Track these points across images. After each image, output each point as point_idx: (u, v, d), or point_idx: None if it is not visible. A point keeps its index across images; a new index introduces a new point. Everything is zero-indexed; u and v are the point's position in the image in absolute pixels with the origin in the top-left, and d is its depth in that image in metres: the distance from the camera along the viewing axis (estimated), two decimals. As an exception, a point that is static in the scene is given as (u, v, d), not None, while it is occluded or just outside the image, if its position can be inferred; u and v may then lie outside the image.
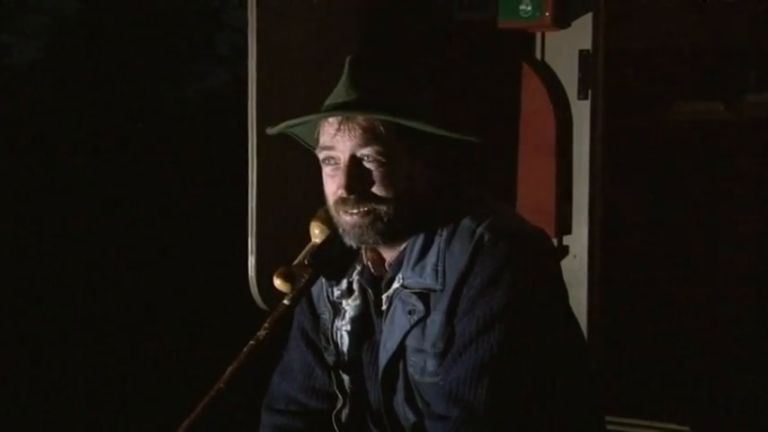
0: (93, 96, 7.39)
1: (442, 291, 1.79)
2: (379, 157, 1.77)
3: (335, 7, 3.10)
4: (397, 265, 1.85)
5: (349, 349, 1.94)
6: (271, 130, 1.90)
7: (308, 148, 1.91)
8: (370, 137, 1.76)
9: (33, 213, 6.37)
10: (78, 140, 7.13)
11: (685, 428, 3.11)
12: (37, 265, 5.90)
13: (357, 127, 1.76)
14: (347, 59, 1.81)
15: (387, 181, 1.78)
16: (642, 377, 3.42)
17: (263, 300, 2.80)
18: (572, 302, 1.96)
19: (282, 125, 1.87)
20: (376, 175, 1.78)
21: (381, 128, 1.76)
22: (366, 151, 1.77)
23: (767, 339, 3.43)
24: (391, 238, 1.84)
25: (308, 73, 2.90)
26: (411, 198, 1.81)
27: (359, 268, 1.92)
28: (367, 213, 1.79)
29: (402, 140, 1.78)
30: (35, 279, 5.75)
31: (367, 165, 1.78)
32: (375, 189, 1.78)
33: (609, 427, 2.09)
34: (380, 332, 1.88)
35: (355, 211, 1.79)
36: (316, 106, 1.85)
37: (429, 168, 1.84)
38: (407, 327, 1.82)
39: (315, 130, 1.84)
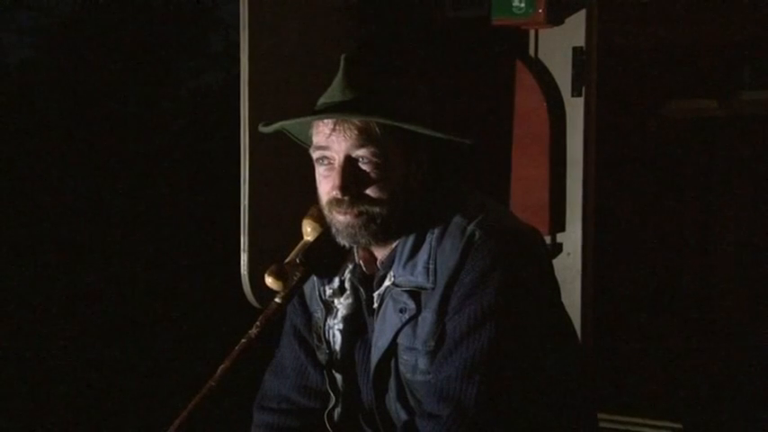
0: (86, 94, 7.38)
1: (433, 289, 1.78)
2: (375, 159, 1.76)
3: (328, 4, 3.09)
4: (389, 263, 1.85)
5: (341, 348, 1.93)
6: (265, 129, 1.89)
7: (300, 146, 1.91)
8: (365, 138, 1.75)
9: (27, 211, 6.37)
10: (71, 138, 7.12)
11: (678, 426, 3.12)
12: (30, 264, 5.89)
13: (353, 128, 1.75)
14: (342, 57, 1.80)
15: (381, 182, 1.77)
16: (635, 374, 3.42)
17: (256, 298, 2.80)
18: (565, 300, 1.96)
19: (277, 125, 1.86)
20: (371, 176, 1.77)
21: (377, 129, 1.75)
22: (361, 152, 1.76)
23: (762, 336, 3.43)
24: (384, 238, 1.83)
25: (300, 71, 2.90)
26: (405, 199, 1.80)
27: (351, 266, 1.92)
28: (360, 214, 1.78)
29: (397, 141, 1.77)
30: (29, 278, 5.74)
31: (362, 166, 1.77)
32: (369, 191, 1.78)
33: (602, 424, 2.10)
34: (372, 331, 1.88)
35: (349, 211, 1.78)
36: (309, 104, 1.84)
37: (423, 168, 1.83)
38: (399, 325, 1.81)
39: (308, 128, 1.83)
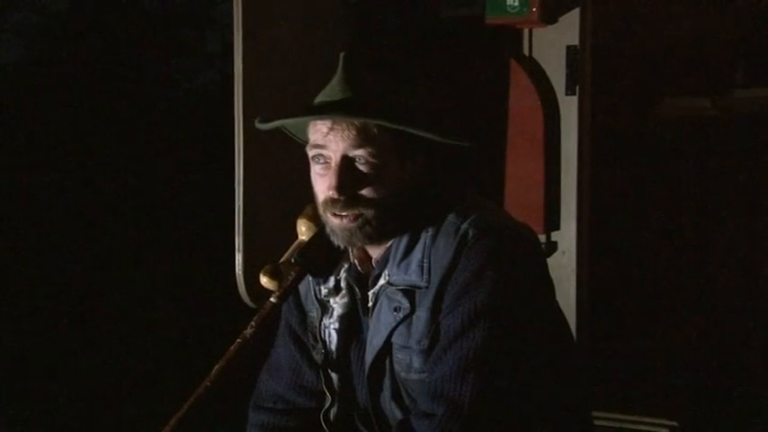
0: (81, 94, 7.37)
1: (427, 287, 1.78)
2: (372, 159, 1.76)
3: (322, 4, 3.09)
4: (383, 262, 1.85)
5: (337, 347, 1.93)
6: (263, 126, 1.88)
7: (294, 146, 1.90)
8: (363, 138, 1.75)
9: (23, 211, 6.36)
10: (66, 138, 7.12)
11: (673, 423, 3.12)
12: (26, 263, 5.89)
13: (351, 127, 1.74)
14: (341, 55, 1.79)
15: (378, 183, 1.77)
16: (630, 372, 3.43)
17: (251, 297, 2.79)
18: (560, 298, 1.96)
19: (277, 123, 1.85)
20: (367, 176, 1.77)
21: (375, 129, 1.75)
22: (359, 152, 1.76)
23: (757, 334, 3.44)
24: (379, 239, 1.84)
25: (294, 70, 2.90)
26: (400, 199, 1.80)
27: (346, 266, 1.92)
28: (356, 218, 1.78)
29: (394, 141, 1.77)
30: (25, 276, 5.74)
31: (359, 166, 1.77)
32: (365, 191, 1.77)
33: (597, 422, 2.10)
34: (367, 329, 1.88)
35: (344, 213, 1.78)
36: (302, 103, 1.83)
37: (418, 167, 1.83)
38: (393, 324, 1.81)
39: (305, 125, 1.82)
